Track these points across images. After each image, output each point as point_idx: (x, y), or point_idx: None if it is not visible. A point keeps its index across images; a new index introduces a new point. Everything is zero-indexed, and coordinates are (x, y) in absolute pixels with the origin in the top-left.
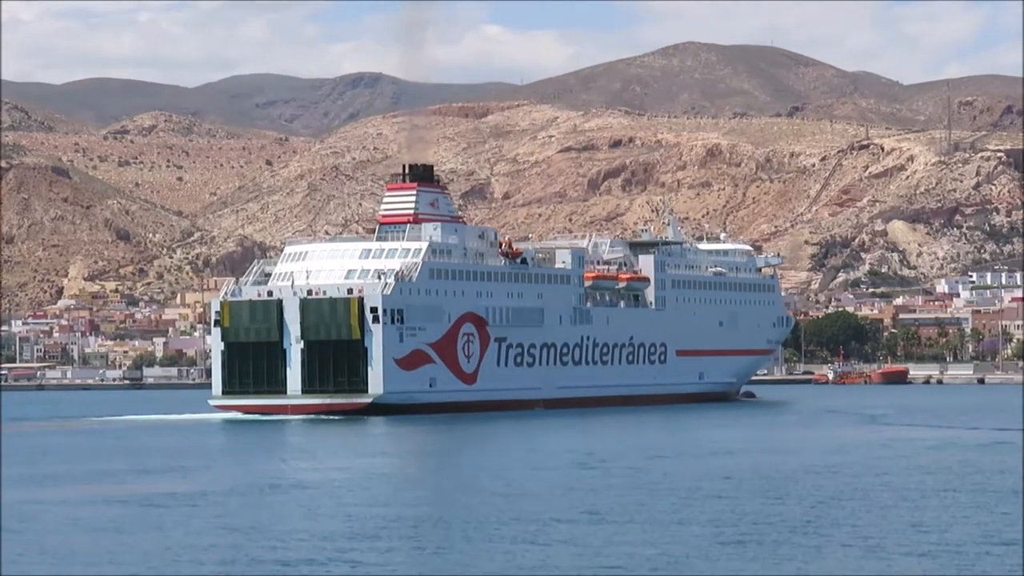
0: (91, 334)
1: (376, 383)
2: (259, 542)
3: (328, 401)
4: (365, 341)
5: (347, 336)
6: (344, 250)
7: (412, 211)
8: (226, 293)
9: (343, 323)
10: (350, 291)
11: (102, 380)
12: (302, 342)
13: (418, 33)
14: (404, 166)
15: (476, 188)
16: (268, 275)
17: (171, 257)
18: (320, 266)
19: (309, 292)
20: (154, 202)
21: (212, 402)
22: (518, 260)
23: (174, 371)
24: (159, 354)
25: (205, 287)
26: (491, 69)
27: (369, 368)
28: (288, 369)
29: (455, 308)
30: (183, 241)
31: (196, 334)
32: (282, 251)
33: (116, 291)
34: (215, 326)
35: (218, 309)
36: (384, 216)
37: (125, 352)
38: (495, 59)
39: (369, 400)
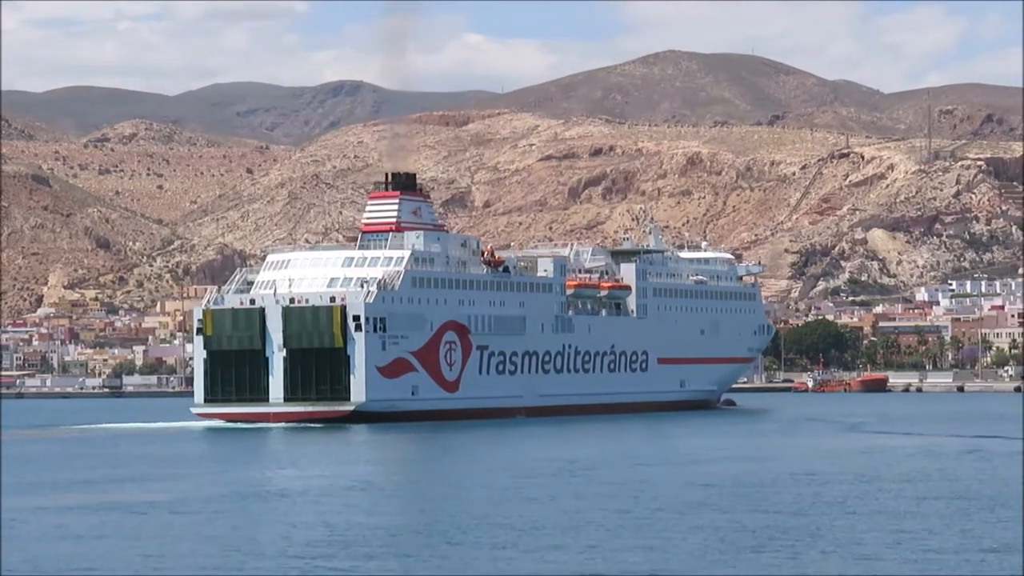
0: (71, 342)
1: (359, 391)
2: (236, 549)
3: (311, 409)
4: (348, 349)
5: (330, 344)
6: (326, 258)
7: (395, 219)
8: (208, 301)
9: (326, 331)
10: (333, 299)
11: (82, 388)
12: (285, 350)
13: (399, 42)
14: (387, 175)
15: (457, 196)
16: (250, 283)
17: (151, 265)
18: (302, 274)
19: (292, 300)
20: (134, 210)
21: (195, 410)
22: (500, 268)
23: (154, 379)
24: (139, 362)
25: (185, 295)
26: (472, 77)
27: (352, 376)
28: (271, 377)
29: (437, 316)
30: (163, 249)
31: (176, 342)
32: (263, 259)
33: (96, 299)
34: (197, 334)
35: (200, 317)
36: (367, 224)
37: (105, 360)
38: (476, 67)
39: (352, 408)
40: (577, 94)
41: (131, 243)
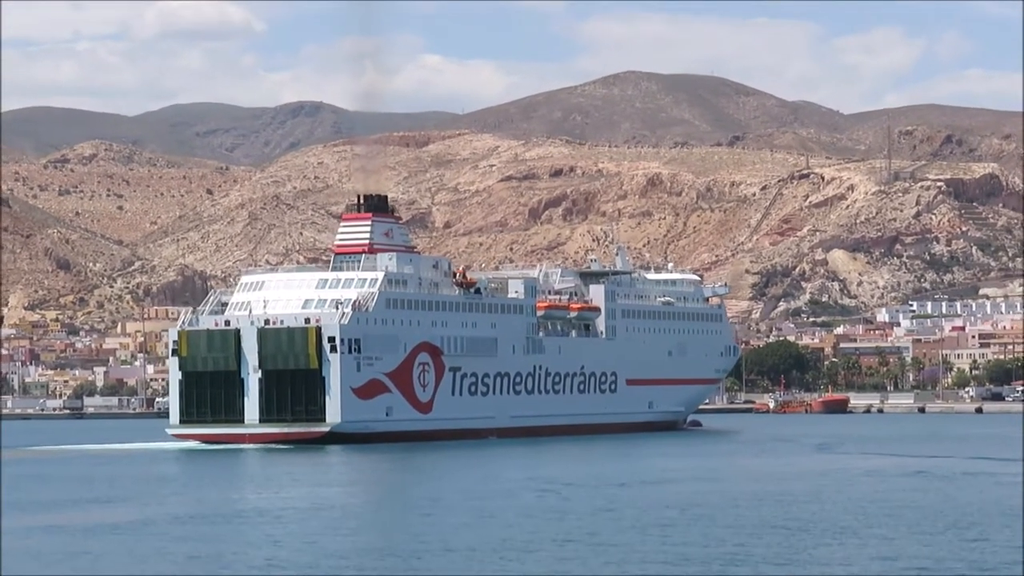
0: (31, 363)
1: (334, 412)
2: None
3: (286, 430)
4: (323, 371)
5: (305, 365)
6: (300, 280)
7: (367, 241)
8: (183, 323)
9: (301, 353)
10: (308, 321)
11: (42, 410)
12: (260, 371)
13: (359, 63)
14: (359, 196)
15: (417, 217)
16: (224, 304)
17: (112, 286)
18: (277, 296)
19: (266, 321)
20: (94, 231)
21: (170, 431)
22: (472, 290)
23: (115, 400)
24: (100, 383)
25: (146, 316)
26: (431, 98)
27: (327, 397)
28: (246, 398)
29: (411, 338)
30: (124, 270)
31: (137, 363)
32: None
33: (56, 320)
34: (173, 355)
35: (176, 339)
36: (339, 246)
37: (66, 382)
38: (435, 88)
39: (327, 429)
40: (537, 115)
41: (91, 264)
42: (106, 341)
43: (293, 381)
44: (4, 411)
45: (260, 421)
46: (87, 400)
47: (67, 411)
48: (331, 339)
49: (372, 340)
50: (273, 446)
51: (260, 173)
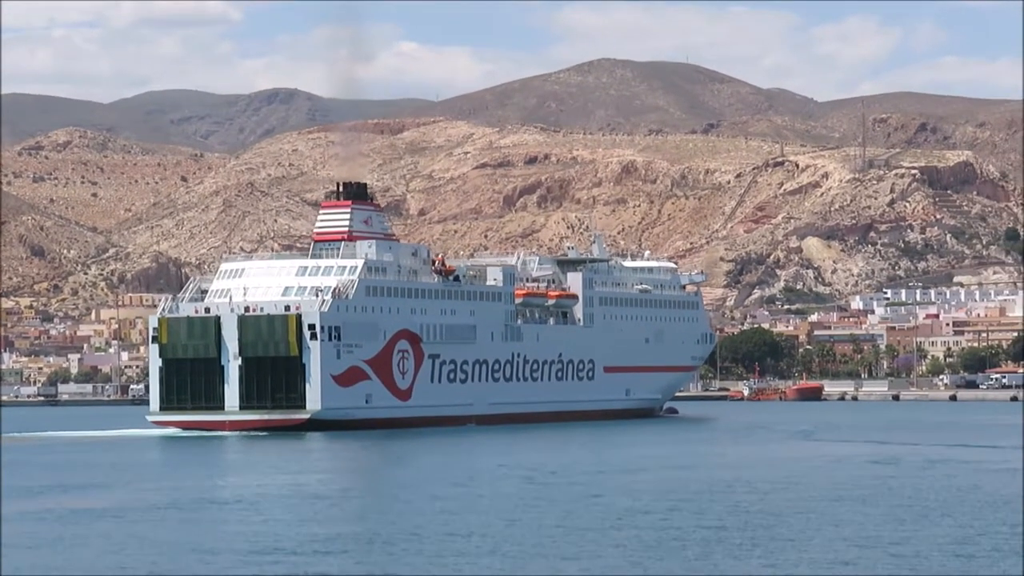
0: (5, 350)
1: (314, 399)
2: (180, 557)
3: (266, 417)
4: (303, 358)
5: (285, 353)
6: (280, 267)
7: (347, 229)
8: (163, 310)
9: (281, 340)
10: (288, 308)
11: (16, 397)
12: (240, 358)
13: (335, 50)
14: (338, 184)
15: (392, 204)
16: (204, 292)
17: (86, 273)
18: (257, 283)
19: (247, 309)
20: (69, 218)
21: (150, 418)
22: (451, 278)
23: (89, 388)
24: (74, 370)
25: (120, 303)
26: (406, 85)
27: (307, 384)
28: (226, 385)
29: (390, 325)
30: (98, 257)
31: (111, 351)
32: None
33: (30, 307)
34: (153, 342)
35: (156, 326)
36: (318, 234)
37: (40, 369)
38: (410, 75)
39: (307, 416)
40: (512, 102)
41: (66, 251)
42: (80, 328)
43: (273, 368)
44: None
45: (240, 408)
46: (61, 387)
47: (41, 398)
48: (311, 326)
49: (352, 327)
50: (253, 433)
51: (235, 160)
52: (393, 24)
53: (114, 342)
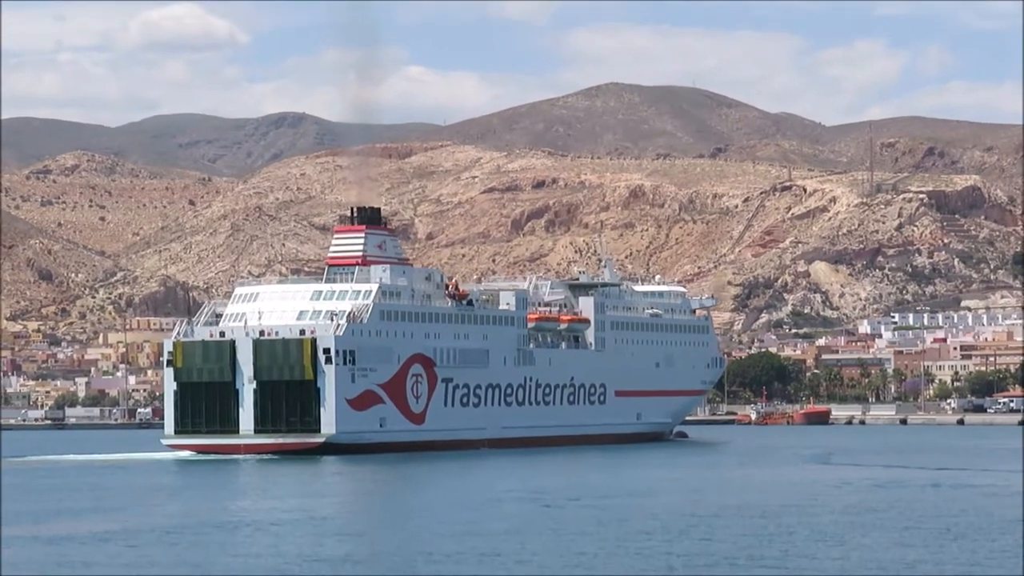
0: (13, 374)
1: (329, 423)
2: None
3: (281, 441)
4: (318, 382)
5: (300, 376)
6: (295, 291)
7: (361, 253)
8: (178, 333)
9: (296, 364)
10: (302, 332)
11: (24, 420)
12: (255, 382)
13: (344, 74)
14: (352, 209)
15: (399, 228)
16: (219, 316)
17: (93, 297)
18: (272, 307)
19: (262, 333)
20: (76, 242)
21: (165, 441)
22: (464, 302)
23: (96, 411)
24: (81, 394)
25: (128, 327)
26: (414, 110)
27: (321, 408)
28: (241, 409)
29: (404, 349)
30: (106, 281)
31: (119, 374)
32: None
33: (38, 331)
34: (168, 366)
35: (171, 349)
36: (332, 258)
37: (47, 392)
38: (418, 100)
39: (322, 440)
40: (519, 126)
41: (73, 275)
42: (88, 352)
43: (288, 392)
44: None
45: (255, 432)
46: (68, 411)
47: (49, 421)
48: (326, 350)
49: (366, 351)
50: (268, 456)
51: (242, 184)
52: (401, 48)
53: (122, 366)
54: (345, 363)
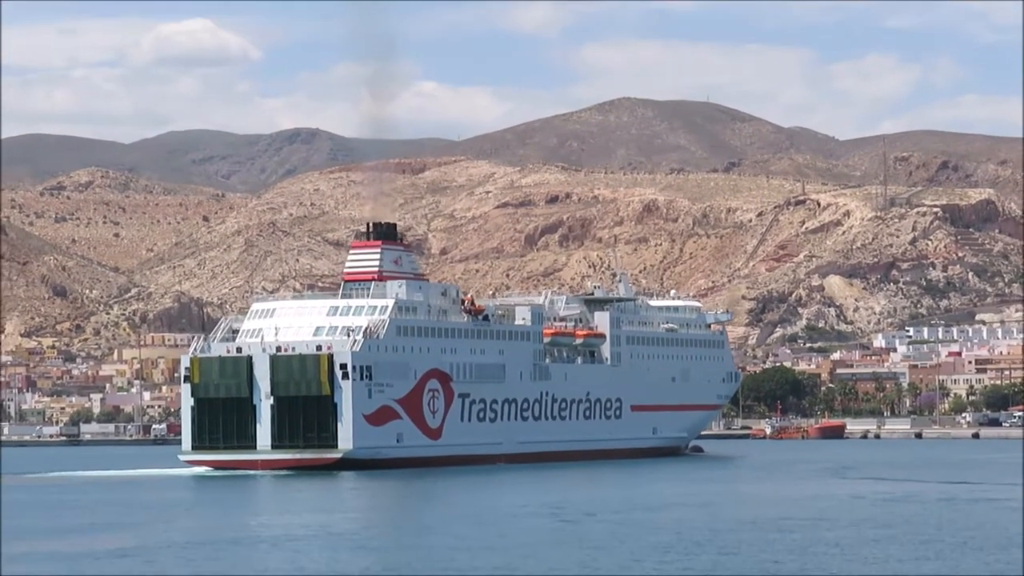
0: (28, 390)
1: (346, 438)
2: None
3: (298, 456)
4: (335, 397)
5: (317, 392)
6: (312, 307)
7: (377, 269)
8: (195, 349)
9: (313, 379)
10: (319, 348)
11: (39, 436)
12: (272, 398)
13: (357, 90)
14: (368, 224)
15: (413, 244)
16: (236, 332)
17: (108, 313)
18: (288, 323)
19: (278, 348)
20: (91, 258)
21: (182, 457)
22: (480, 317)
23: (111, 427)
24: (96, 410)
25: (142, 343)
26: (427, 125)
27: (339, 424)
28: (258, 424)
29: (421, 364)
30: (120, 297)
31: (133, 390)
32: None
33: (53, 347)
34: (185, 382)
35: (188, 365)
36: (348, 273)
37: (62, 408)
38: (431, 115)
39: (339, 455)
40: (533, 141)
41: (88, 291)
42: (102, 368)
43: (305, 407)
44: (1, 438)
45: (272, 447)
46: (83, 427)
47: (63, 438)
48: (343, 366)
49: (383, 367)
50: (285, 472)
51: (256, 200)
52: (414, 63)
53: (136, 382)
54: (362, 378)
